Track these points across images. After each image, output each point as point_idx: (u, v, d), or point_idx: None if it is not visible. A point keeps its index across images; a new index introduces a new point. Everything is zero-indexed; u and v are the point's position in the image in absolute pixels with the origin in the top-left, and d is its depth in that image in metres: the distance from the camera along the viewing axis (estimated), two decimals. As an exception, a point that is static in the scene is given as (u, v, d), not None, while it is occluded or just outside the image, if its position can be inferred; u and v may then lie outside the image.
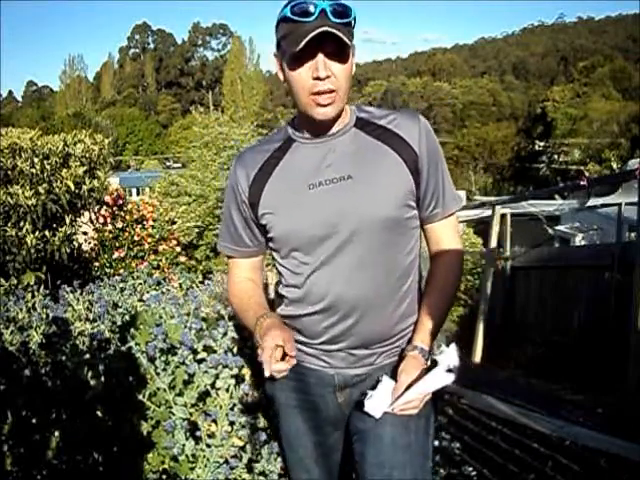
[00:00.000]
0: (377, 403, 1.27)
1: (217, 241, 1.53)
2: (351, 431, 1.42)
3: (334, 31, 1.18)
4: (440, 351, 1.26)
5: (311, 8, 1.19)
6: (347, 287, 1.31)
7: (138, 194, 22.01)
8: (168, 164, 35.49)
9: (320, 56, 1.21)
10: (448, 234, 1.41)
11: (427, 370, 1.25)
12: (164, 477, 1.72)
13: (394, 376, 1.29)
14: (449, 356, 1.23)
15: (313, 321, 1.36)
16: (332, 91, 1.24)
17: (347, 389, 1.40)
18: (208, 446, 1.72)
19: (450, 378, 1.22)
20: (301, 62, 1.23)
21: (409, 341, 1.35)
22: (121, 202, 6.06)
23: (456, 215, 1.43)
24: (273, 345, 1.22)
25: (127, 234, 5.92)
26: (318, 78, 1.22)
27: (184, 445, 1.69)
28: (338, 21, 1.20)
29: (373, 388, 1.29)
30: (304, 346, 1.39)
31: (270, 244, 1.41)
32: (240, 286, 1.48)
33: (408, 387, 1.24)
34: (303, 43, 1.18)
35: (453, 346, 1.26)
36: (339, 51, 1.22)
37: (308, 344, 1.39)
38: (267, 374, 1.22)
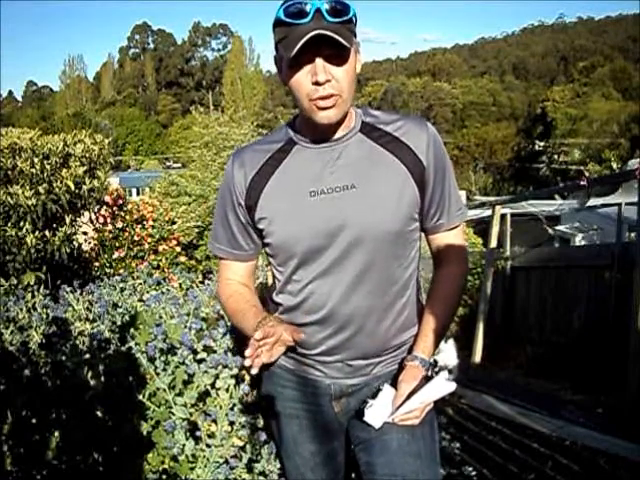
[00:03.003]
0: (377, 412, 1.25)
1: (209, 241, 1.45)
2: (353, 441, 1.39)
3: (329, 33, 1.10)
4: (438, 351, 1.26)
5: (306, 8, 1.12)
6: (345, 299, 1.27)
7: (138, 194, 22.02)
8: (168, 164, 35.53)
9: (318, 60, 1.14)
10: (453, 244, 1.36)
11: (427, 379, 1.23)
12: (164, 477, 1.72)
13: (394, 385, 1.26)
14: (447, 355, 1.23)
15: (309, 332, 1.32)
16: (333, 95, 1.17)
17: (343, 398, 1.37)
18: (208, 446, 1.72)
19: (451, 387, 1.20)
20: (299, 67, 1.16)
21: (409, 351, 1.32)
22: (121, 202, 6.05)
23: (462, 225, 1.39)
24: (281, 334, 1.23)
25: (127, 234, 5.90)
26: (317, 83, 1.15)
27: (184, 445, 1.69)
28: (335, 20, 1.13)
29: (374, 397, 1.27)
30: (300, 356, 1.36)
31: (267, 249, 1.35)
32: (235, 288, 1.41)
33: (408, 397, 1.21)
34: (297, 48, 1.11)
35: (451, 342, 1.25)
36: (338, 53, 1.15)
37: (304, 355, 1.35)
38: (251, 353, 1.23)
